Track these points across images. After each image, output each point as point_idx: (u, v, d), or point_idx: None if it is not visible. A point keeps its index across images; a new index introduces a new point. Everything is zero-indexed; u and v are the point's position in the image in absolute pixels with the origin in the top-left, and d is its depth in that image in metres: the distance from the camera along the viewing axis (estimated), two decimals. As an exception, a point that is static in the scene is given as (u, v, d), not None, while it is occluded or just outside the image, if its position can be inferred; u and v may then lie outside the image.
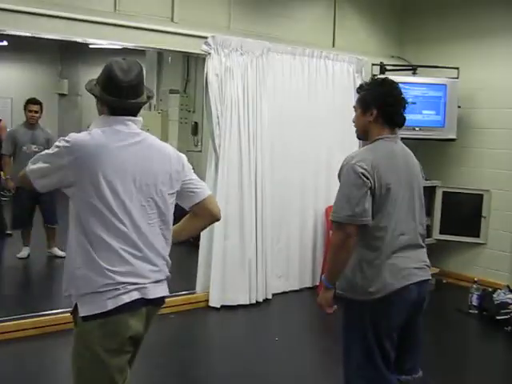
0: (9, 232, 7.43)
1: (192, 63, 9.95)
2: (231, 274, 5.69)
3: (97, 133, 2.25)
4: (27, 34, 4.79)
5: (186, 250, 5.73)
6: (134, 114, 2.32)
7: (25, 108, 6.66)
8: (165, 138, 10.08)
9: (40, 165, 2.23)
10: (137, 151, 2.29)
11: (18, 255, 6.74)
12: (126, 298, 2.21)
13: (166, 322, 4.89)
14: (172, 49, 5.52)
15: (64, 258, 2.39)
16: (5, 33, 4.80)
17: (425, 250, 2.88)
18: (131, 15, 5.14)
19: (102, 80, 2.30)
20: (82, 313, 2.20)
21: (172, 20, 5.40)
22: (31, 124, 6.61)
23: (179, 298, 5.43)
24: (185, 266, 6.02)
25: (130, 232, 2.23)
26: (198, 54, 5.55)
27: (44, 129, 6.76)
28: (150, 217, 2.30)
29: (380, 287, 2.66)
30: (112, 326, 2.21)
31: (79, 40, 5.07)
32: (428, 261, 2.89)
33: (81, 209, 2.20)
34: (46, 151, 2.27)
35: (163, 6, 5.39)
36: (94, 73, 12.90)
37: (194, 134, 9.65)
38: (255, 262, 5.78)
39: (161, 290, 2.36)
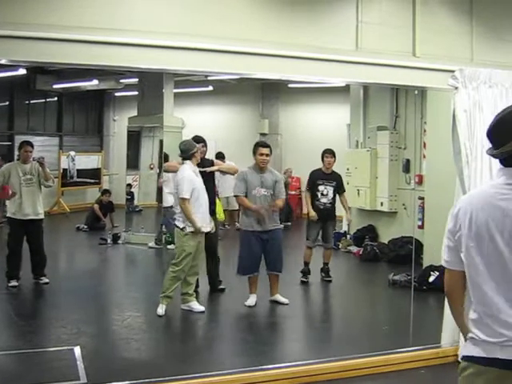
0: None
1: (401, 98, 9.68)
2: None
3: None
4: (256, 76, 4.72)
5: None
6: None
7: (254, 152, 6.44)
8: (374, 176, 9.84)
9: None
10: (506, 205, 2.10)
11: (246, 303, 6.48)
12: None
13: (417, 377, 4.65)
14: (414, 84, 5.25)
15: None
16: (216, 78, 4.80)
17: None
18: (372, 52, 4.95)
19: None
20: None
21: (414, 55, 5.13)
22: (261, 168, 6.43)
23: (427, 351, 4.99)
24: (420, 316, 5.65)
25: None
26: (442, 89, 5.20)
27: (273, 171, 6.57)
28: None
29: None
30: None
31: (319, 80, 4.99)
32: None
33: None
34: None
35: (404, 41, 5.14)
36: (292, 112, 13.09)
37: (406, 171, 9.33)
38: None
39: None
